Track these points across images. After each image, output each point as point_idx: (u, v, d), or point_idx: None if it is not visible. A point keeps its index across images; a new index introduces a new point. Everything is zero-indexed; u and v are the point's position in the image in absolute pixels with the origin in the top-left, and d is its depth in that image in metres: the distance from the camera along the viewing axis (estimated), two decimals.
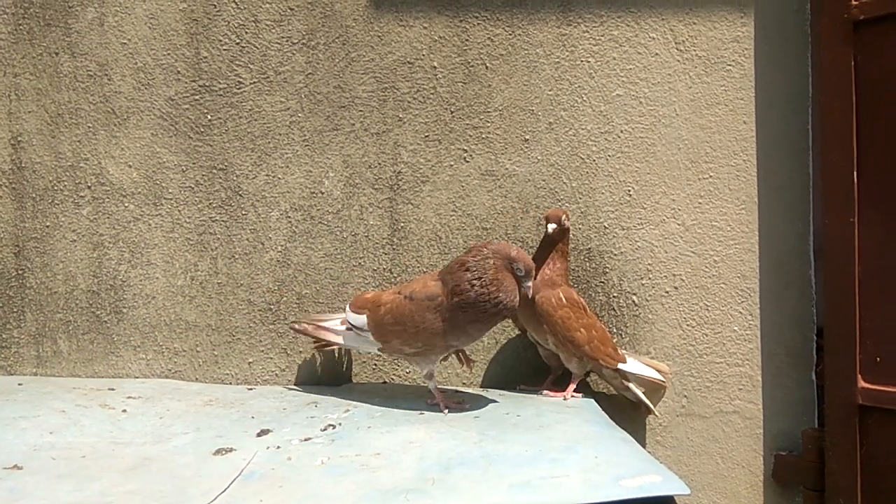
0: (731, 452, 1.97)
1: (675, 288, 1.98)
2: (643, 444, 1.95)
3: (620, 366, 1.82)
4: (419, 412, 1.65)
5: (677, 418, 1.98)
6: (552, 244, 1.80)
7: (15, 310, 2.04)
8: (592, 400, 1.79)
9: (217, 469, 1.38)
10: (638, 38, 1.96)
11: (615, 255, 1.98)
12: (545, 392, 1.84)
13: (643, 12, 1.95)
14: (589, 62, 1.97)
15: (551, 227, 1.76)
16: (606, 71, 1.97)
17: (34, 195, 2.03)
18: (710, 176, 1.97)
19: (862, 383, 1.76)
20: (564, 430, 1.49)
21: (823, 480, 1.83)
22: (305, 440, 1.51)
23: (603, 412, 1.69)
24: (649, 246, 1.98)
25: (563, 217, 1.78)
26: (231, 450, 1.48)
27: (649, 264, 1.98)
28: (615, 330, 1.98)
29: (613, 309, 1.98)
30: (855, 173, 1.76)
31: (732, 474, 1.97)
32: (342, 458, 1.40)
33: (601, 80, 1.97)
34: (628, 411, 1.95)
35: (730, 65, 1.95)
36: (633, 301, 1.98)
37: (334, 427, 1.57)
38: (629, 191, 1.98)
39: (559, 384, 1.87)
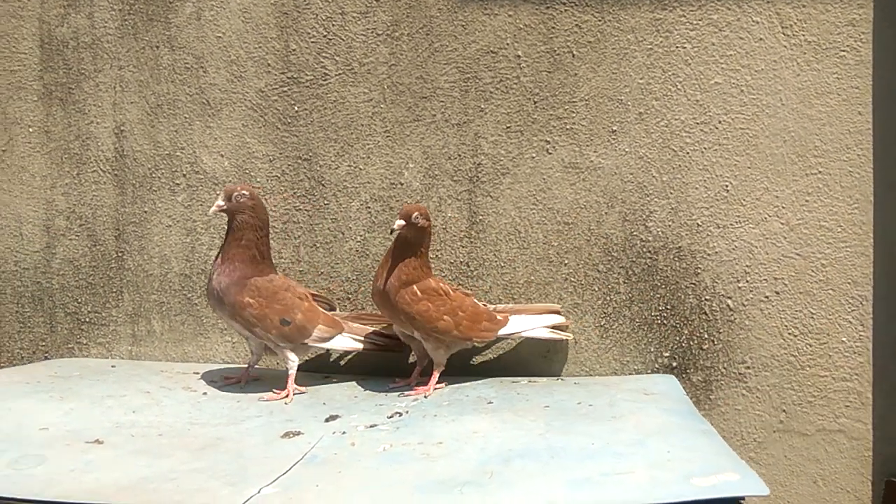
0: (835, 475, 1.79)
1: (777, 293, 1.82)
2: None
3: (502, 331, 1.74)
4: (487, 402, 1.59)
5: (774, 434, 1.82)
6: (407, 244, 1.68)
7: (114, 290, 2.15)
8: (674, 379, 1.66)
9: (282, 451, 1.38)
10: (740, 21, 1.83)
11: (709, 254, 1.85)
12: (406, 393, 1.73)
13: None
14: (685, 48, 1.85)
15: (398, 223, 1.63)
16: (704, 57, 1.85)
17: (134, 182, 2.14)
18: (820, 171, 1.80)
19: None
20: (637, 420, 1.39)
21: None
22: (371, 427, 1.49)
23: (686, 398, 1.56)
24: (748, 246, 1.83)
25: (416, 214, 1.65)
26: (298, 433, 1.48)
27: (747, 266, 1.83)
28: (706, 336, 1.84)
29: (705, 313, 1.85)
30: None
31: (835, 499, 1.79)
32: (404, 445, 1.37)
33: (698, 68, 1.85)
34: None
35: (843, 50, 1.78)
36: (728, 305, 1.84)
37: (401, 415, 1.55)
38: (727, 186, 1.85)
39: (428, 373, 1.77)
